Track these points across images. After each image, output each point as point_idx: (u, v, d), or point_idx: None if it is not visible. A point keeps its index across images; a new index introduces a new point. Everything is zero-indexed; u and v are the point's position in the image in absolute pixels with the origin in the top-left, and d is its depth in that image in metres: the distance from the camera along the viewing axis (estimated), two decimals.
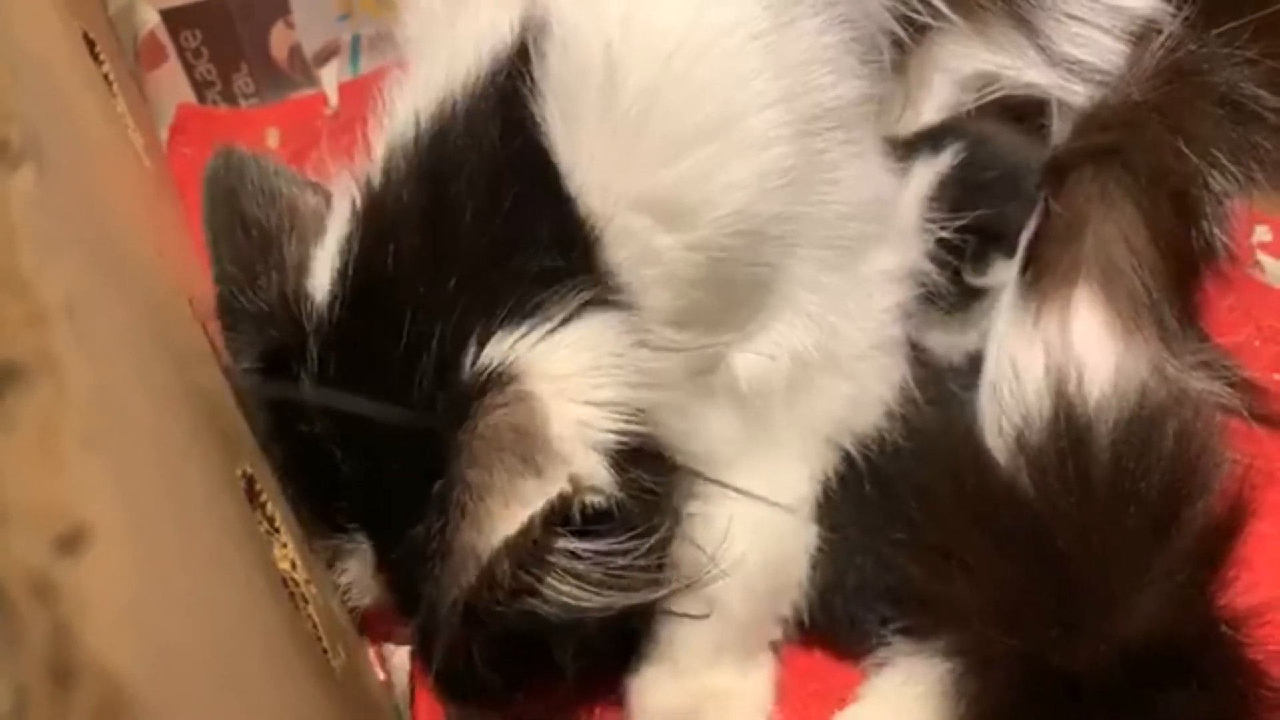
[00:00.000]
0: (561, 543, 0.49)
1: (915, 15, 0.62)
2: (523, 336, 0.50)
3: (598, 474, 0.48)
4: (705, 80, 0.52)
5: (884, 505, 0.60)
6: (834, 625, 0.62)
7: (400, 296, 0.52)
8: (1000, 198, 0.64)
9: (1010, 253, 0.65)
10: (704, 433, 0.56)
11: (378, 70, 0.87)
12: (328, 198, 0.57)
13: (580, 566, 0.49)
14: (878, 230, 0.60)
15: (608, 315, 0.52)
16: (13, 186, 0.32)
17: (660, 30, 0.51)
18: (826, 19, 0.56)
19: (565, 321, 0.51)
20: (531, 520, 0.46)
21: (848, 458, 0.61)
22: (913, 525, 0.58)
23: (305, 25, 0.89)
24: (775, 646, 0.63)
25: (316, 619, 0.52)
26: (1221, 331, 0.68)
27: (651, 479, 0.51)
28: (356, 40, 0.91)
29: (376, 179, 0.55)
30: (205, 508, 0.41)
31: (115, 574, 0.26)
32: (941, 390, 0.64)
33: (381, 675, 0.62)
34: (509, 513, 0.46)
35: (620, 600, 0.51)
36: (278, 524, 0.52)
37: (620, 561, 0.50)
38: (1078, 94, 0.66)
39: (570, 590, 0.50)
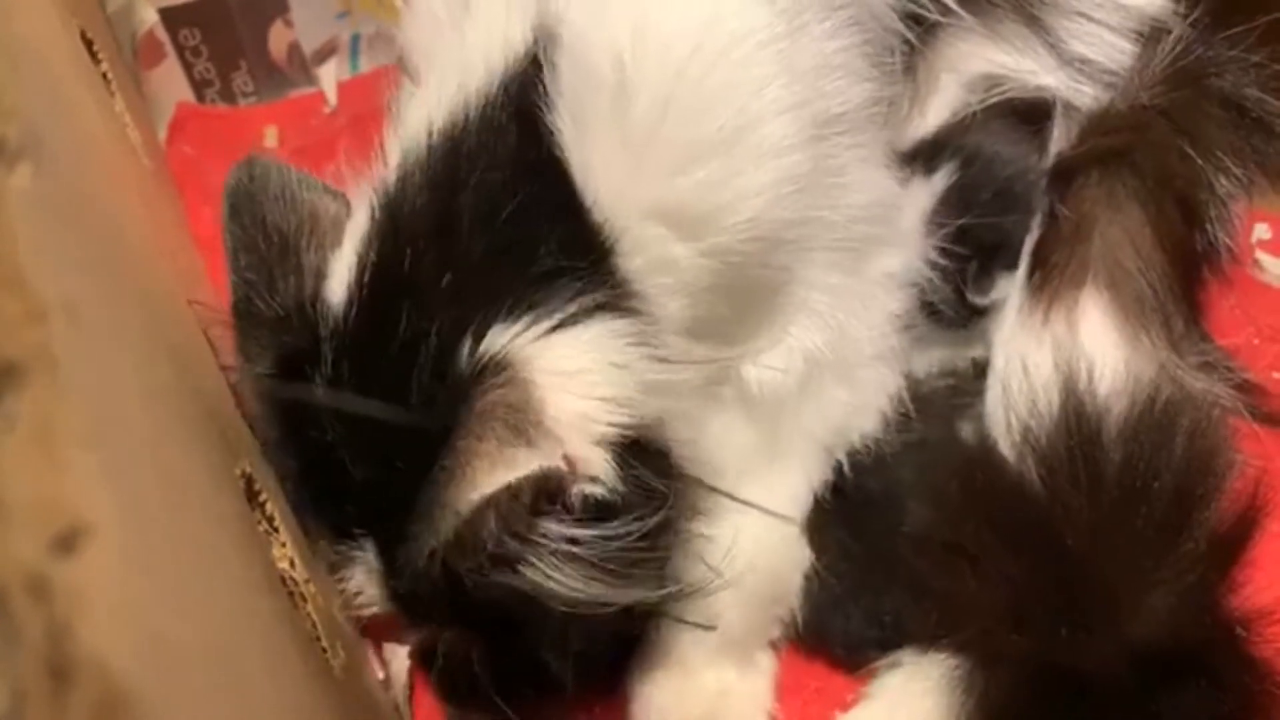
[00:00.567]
0: (556, 524, 0.49)
1: (925, 14, 0.62)
2: (525, 330, 0.50)
3: (598, 463, 0.48)
4: (718, 89, 0.52)
5: (876, 522, 0.60)
6: (829, 644, 0.62)
7: (415, 305, 0.51)
8: (998, 213, 0.64)
9: (1012, 266, 0.65)
10: (710, 441, 0.56)
11: (376, 69, 0.88)
12: (347, 205, 0.57)
13: (574, 550, 0.49)
14: (883, 232, 0.60)
15: (618, 321, 0.51)
16: (11, 184, 0.32)
17: (671, 39, 0.51)
18: (836, 23, 0.56)
19: (572, 322, 0.50)
20: (519, 485, 0.46)
21: (839, 472, 0.61)
22: (915, 526, 0.58)
23: (304, 24, 0.89)
24: (775, 645, 0.63)
25: (316, 618, 0.52)
26: (1223, 332, 0.68)
27: (655, 477, 0.51)
28: (355, 39, 0.91)
29: (392, 187, 0.55)
30: (204, 506, 0.41)
31: (113, 572, 0.26)
32: (938, 402, 0.64)
33: (381, 675, 0.62)
34: (493, 472, 0.46)
35: (613, 593, 0.50)
36: (277, 523, 0.52)
37: (615, 549, 0.49)
38: (1085, 94, 0.65)
39: (562, 576, 0.49)
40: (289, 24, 0.89)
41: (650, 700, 0.60)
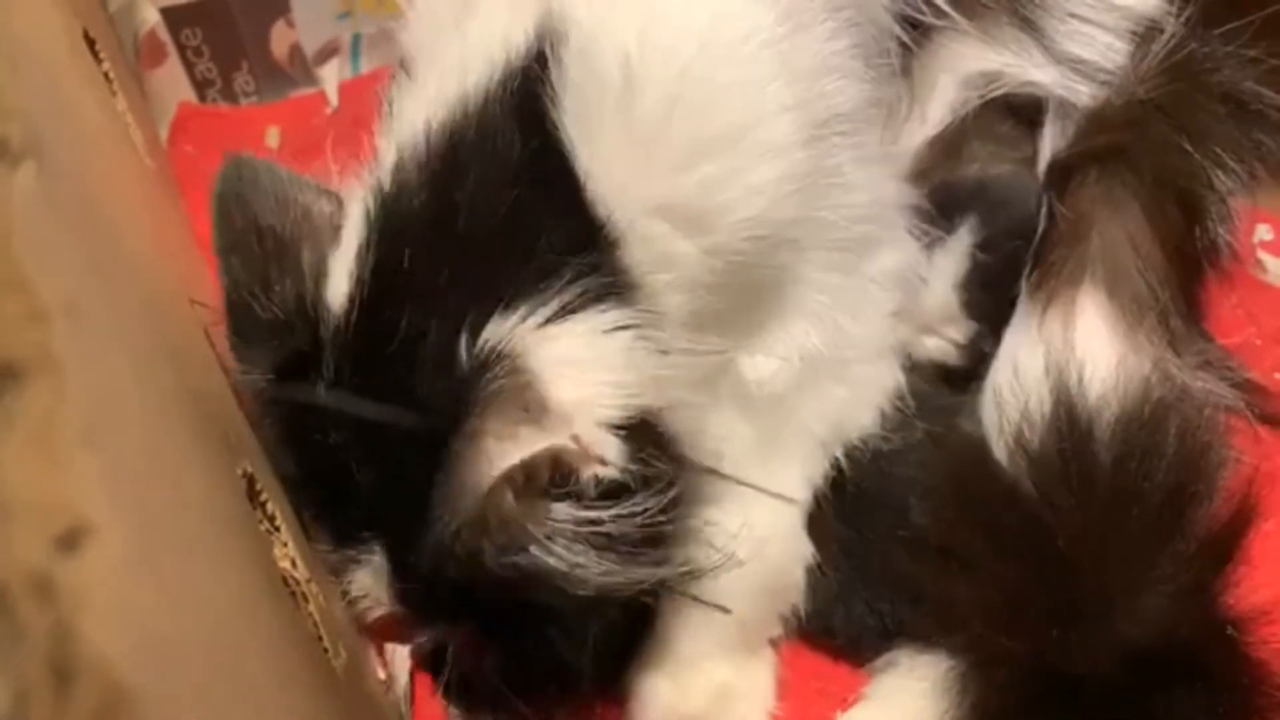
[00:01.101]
0: (569, 506, 0.49)
1: (919, 17, 0.62)
2: (522, 321, 0.50)
3: (607, 445, 0.49)
4: (721, 88, 0.52)
5: (875, 517, 0.60)
6: (832, 637, 0.62)
7: (416, 304, 0.51)
8: (1015, 257, 0.65)
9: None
10: (709, 436, 0.56)
11: (378, 69, 0.88)
12: (340, 204, 0.57)
13: (587, 531, 0.49)
14: (881, 231, 0.60)
15: (617, 311, 0.51)
16: (13, 184, 0.32)
17: (677, 38, 0.52)
18: (835, 24, 0.56)
19: (571, 311, 0.50)
20: (532, 462, 0.47)
21: (838, 468, 0.61)
22: (911, 530, 0.58)
23: (305, 24, 0.89)
24: (775, 643, 0.63)
25: (317, 618, 0.52)
26: (1224, 331, 0.68)
27: (662, 459, 0.51)
28: (357, 39, 0.91)
29: (388, 186, 0.54)
30: (205, 506, 0.41)
31: (115, 572, 0.26)
32: (937, 399, 0.64)
33: (382, 674, 0.62)
34: (506, 450, 0.47)
35: (626, 572, 0.51)
36: (278, 522, 0.52)
37: (626, 527, 0.50)
38: (1081, 93, 0.66)
39: (576, 558, 0.49)
40: (290, 24, 0.89)
41: (652, 698, 0.60)
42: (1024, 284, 0.64)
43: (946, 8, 0.63)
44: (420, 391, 0.50)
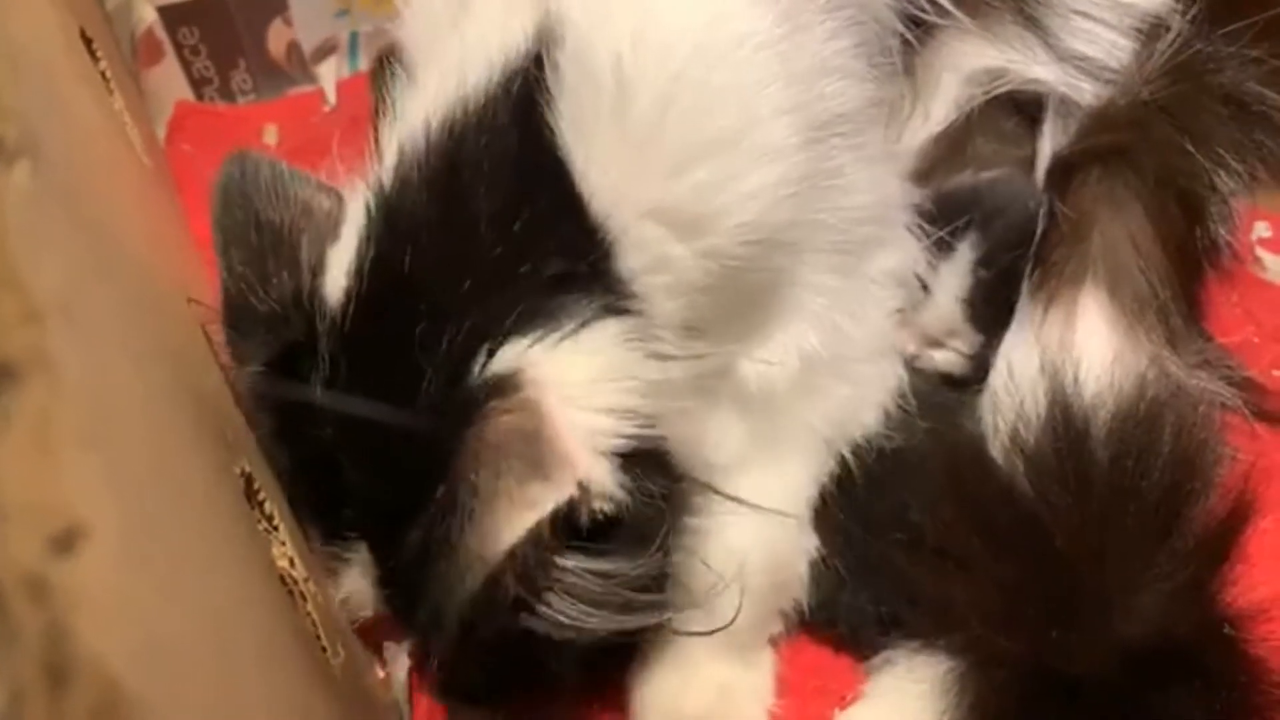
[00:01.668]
0: (568, 560, 0.49)
1: (922, 15, 0.62)
2: (532, 344, 0.50)
3: (607, 480, 0.48)
4: (717, 91, 0.52)
5: (878, 513, 0.60)
6: (834, 629, 0.62)
7: (414, 303, 0.51)
8: (1017, 263, 0.65)
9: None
10: (709, 437, 0.56)
11: (372, 64, 0.88)
12: (340, 200, 0.57)
13: (583, 585, 0.49)
14: (881, 232, 0.60)
15: (618, 323, 0.52)
16: (8, 183, 0.32)
17: (672, 40, 0.51)
18: (836, 24, 0.56)
19: (576, 329, 0.51)
20: (539, 526, 0.46)
21: (843, 464, 0.61)
22: (911, 528, 0.58)
23: (303, 22, 0.89)
24: (775, 641, 0.63)
25: (316, 617, 0.51)
26: (1223, 329, 0.68)
27: (659, 485, 0.51)
28: (354, 37, 0.91)
29: (388, 183, 0.54)
30: (202, 505, 0.41)
31: (110, 572, 0.26)
32: (938, 397, 0.64)
33: (380, 674, 0.62)
34: (516, 517, 0.46)
35: (621, 622, 0.51)
36: (276, 521, 0.52)
37: (623, 582, 0.50)
38: (1085, 91, 0.65)
39: (571, 609, 0.50)
40: (288, 22, 0.89)
41: (651, 696, 0.60)
42: (1025, 284, 0.64)
43: (949, 6, 0.63)
44: (421, 397, 0.50)
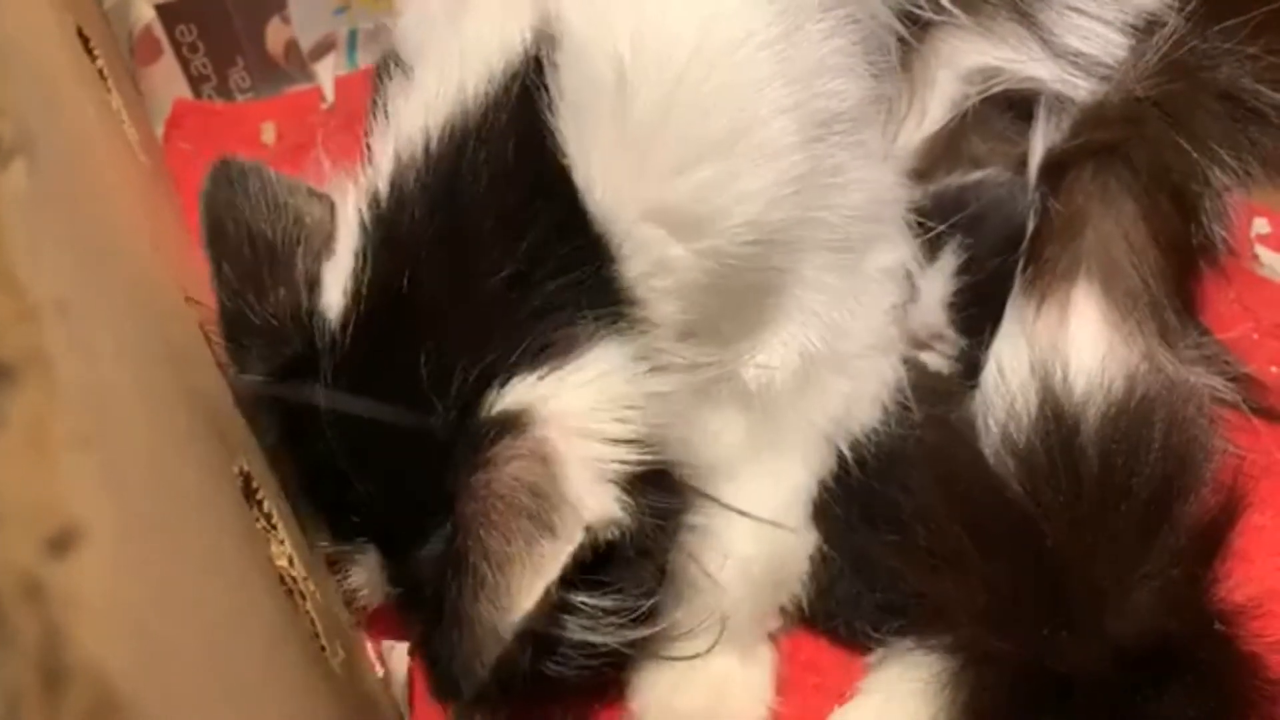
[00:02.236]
0: (576, 596, 0.50)
1: (919, 12, 0.62)
2: (539, 376, 0.50)
3: (614, 510, 0.49)
4: (716, 92, 0.52)
5: (876, 508, 0.60)
6: (831, 626, 0.63)
7: (415, 323, 0.52)
8: (1004, 267, 0.65)
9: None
10: (708, 439, 0.57)
11: (374, 65, 0.88)
12: (330, 206, 0.57)
13: (590, 608, 0.50)
14: (879, 229, 0.60)
15: (621, 340, 0.52)
16: (4, 182, 0.32)
17: (671, 41, 0.51)
18: (833, 22, 0.56)
19: (581, 353, 0.51)
20: (550, 587, 0.47)
21: (841, 460, 0.61)
22: (904, 526, 0.58)
23: (301, 19, 0.89)
24: (773, 637, 0.63)
25: (315, 616, 0.52)
26: (1220, 326, 0.68)
27: (662, 503, 0.51)
28: (353, 34, 0.91)
29: (384, 192, 0.54)
30: (200, 505, 0.41)
31: (107, 575, 0.26)
32: (935, 393, 0.64)
33: (380, 672, 0.62)
34: (529, 585, 0.46)
35: (625, 635, 0.52)
36: (275, 520, 0.52)
37: (628, 605, 0.51)
38: (1080, 88, 0.65)
39: (578, 631, 0.51)
40: (286, 20, 0.89)
41: (650, 692, 0.60)
42: (1017, 281, 0.64)
43: (946, 2, 0.62)
44: (421, 412, 0.50)
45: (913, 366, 0.64)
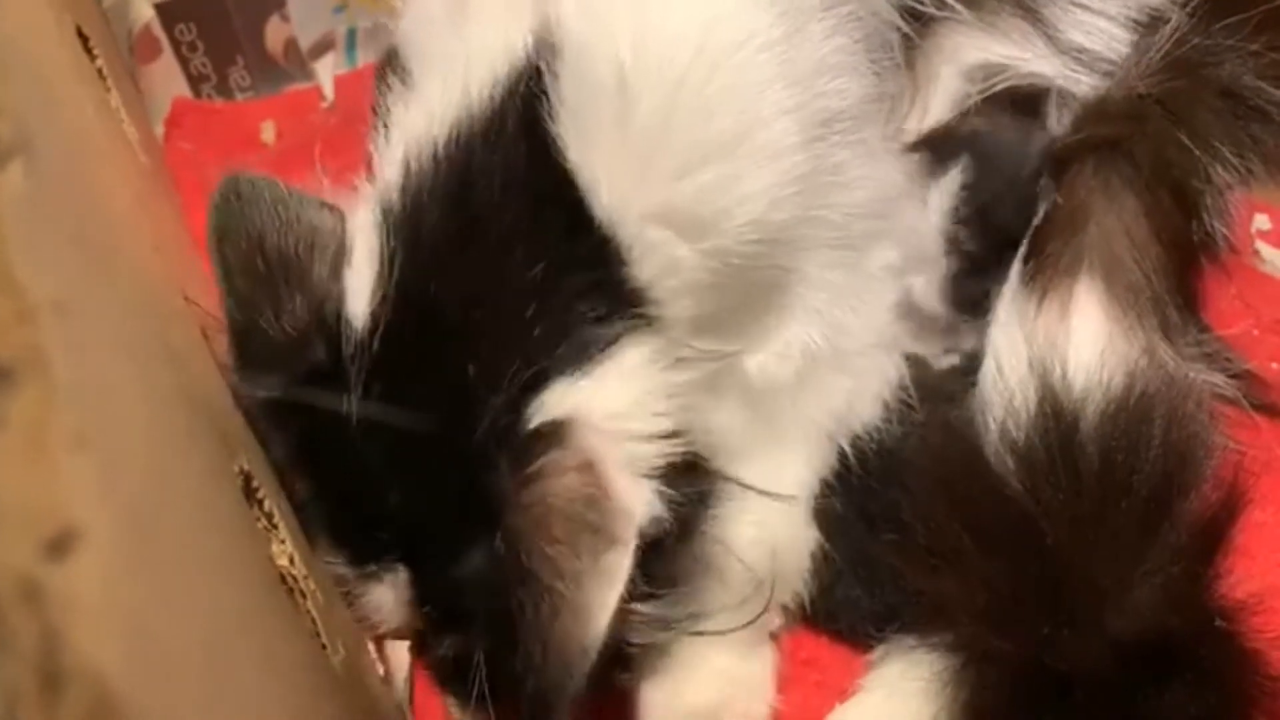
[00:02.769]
0: (641, 606, 0.51)
1: (921, 8, 0.61)
2: (576, 379, 0.51)
3: (656, 507, 0.49)
4: (719, 94, 0.52)
5: (876, 507, 0.60)
6: (832, 624, 0.63)
7: (449, 323, 0.52)
8: (1009, 207, 0.64)
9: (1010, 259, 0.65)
10: (714, 430, 0.57)
11: (373, 63, 0.88)
12: (341, 217, 0.56)
13: (653, 612, 0.52)
14: (882, 226, 0.60)
15: (642, 337, 0.52)
16: (2, 182, 0.32)
17: (672, 45, 0.51)
18: (835, 21, 0.56)
19: (610, 353, 0.51)
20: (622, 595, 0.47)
21: (843, 458, 0.61)
22: (904, 525, 0.58)
23: (301, 18, 0.89)
24: (775, 635, 0.63)
25: (316, 615, 0.51)
26: (1221, 322, 0.67)
27: (692, 491, 0.52)
28: (352, 33, 0.91)
29: (398, 200, 0.54)
30: (200, 506, 0.41)
31: (106, 576, 0.26)
32: (938, 390, 0.64)
33: (381, 671, 0.62)
34: (605, 598, 0.46)
35: (687, 626, 0.55)
36: (276, 520, 0.52)
37: (682, 594, 0.53)
38: (1083, 83, 0.65)
39: (648, 634, 0.53)
40: (285, 18, 0.88)
41: (653, 690, 0.60)
42: (1017, 275, 0.64)
43: None
44: (457, 423, 0.50)
45: (914, 364, 0.64)
